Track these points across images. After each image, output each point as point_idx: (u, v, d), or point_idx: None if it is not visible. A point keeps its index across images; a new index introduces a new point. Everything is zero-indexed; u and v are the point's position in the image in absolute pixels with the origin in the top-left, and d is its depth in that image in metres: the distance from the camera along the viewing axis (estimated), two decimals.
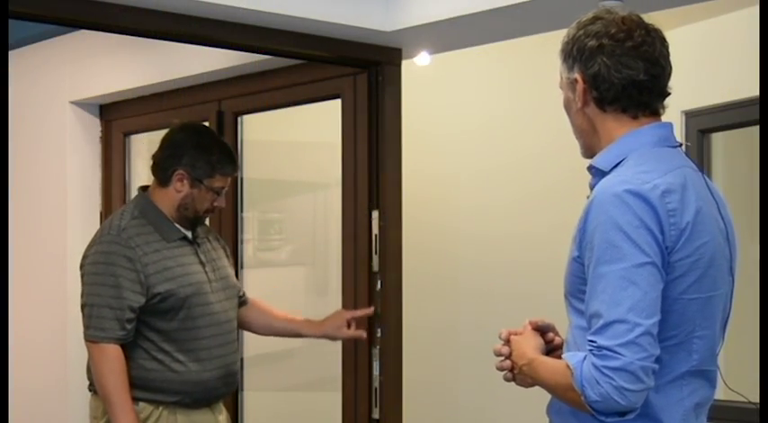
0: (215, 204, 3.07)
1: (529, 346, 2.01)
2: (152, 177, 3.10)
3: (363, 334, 3.29)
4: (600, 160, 1.95)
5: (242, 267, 4.02)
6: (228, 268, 3.19)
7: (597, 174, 1.95)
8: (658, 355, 1.78)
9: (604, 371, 1.74)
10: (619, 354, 1.74)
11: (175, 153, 3.02)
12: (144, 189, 3.14)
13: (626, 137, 1.92)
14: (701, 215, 1.84)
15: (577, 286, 1.89)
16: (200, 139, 3.06)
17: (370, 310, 3.34)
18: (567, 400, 1.86)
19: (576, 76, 1.94)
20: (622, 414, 1.79)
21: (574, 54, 1.94)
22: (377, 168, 3.43)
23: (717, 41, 3.56)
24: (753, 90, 2.80)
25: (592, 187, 1.96)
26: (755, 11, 2.62)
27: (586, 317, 1.82)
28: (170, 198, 3.03)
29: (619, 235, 1.77)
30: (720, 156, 3.69)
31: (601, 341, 1.76)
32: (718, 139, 3.66)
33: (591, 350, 1.77)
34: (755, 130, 2.84)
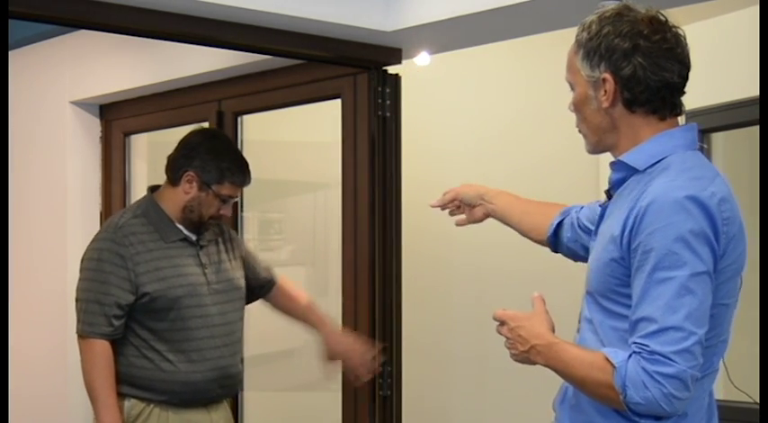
0: (221, 212, 3.08)
1: (544, 326, 1.95)
2: (152, 178, 3.11)
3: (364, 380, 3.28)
4: (631, 157, 1.91)
5: None
6: (236, 270, 3.19)
7: (623, 169, 1.93)
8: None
9: (656, 376, 1.73)
10: (673, 361, 1.73)
11: (188, 154, 3.05)
12: (153, 189, 3.17)
13: (660, 137, 1.90)
14: (741, 222, 1.86)
15: (613, 287, 1.87)
16: (214, 144, 3.09)
17: (380, 348, 3.30)
18: (596, 394, 1.84)
19: (606, 75, 1.89)
20: (658, 418, 1.79)
21: (602, 52, 1.88)
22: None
23: (717, 41, 3.56)
24: (753, 90, 2.80)
25: (611, 183, 1.96)
26: (756, 11, 2.62)
27: (631, 319, 1.80)
28: (177, 198, 3.05)
29: (680, 243, 1.75)
30: (720, 156, 3.69)
31: (654, 346, 1.74)
32: (718, 139, 3.66)
33: (640, 353, 1.75)
34: (755, 130, 2.84)
